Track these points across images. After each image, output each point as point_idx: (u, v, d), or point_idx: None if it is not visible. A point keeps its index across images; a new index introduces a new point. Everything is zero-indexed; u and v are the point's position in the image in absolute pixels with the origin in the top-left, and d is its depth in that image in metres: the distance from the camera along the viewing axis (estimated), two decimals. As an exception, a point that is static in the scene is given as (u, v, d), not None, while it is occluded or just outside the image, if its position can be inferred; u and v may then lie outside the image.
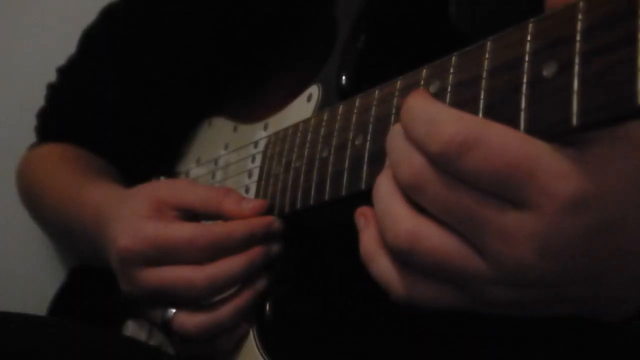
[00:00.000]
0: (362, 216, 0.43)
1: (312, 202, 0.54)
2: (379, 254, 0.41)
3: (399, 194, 0.39)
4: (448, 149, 0.35)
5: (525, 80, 0.36)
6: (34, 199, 0.85)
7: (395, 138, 0.40)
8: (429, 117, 0.37)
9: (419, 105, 0.38)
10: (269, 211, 0.60)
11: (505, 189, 0.35)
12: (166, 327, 0.58)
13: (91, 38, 0.86)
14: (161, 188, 0.61)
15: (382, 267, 0.41)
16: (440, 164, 0.36)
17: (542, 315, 0.41)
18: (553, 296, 0.38)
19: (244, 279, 0.58)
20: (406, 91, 0.46)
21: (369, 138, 0.49)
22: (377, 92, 0.49)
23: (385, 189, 0.40)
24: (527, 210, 0.35)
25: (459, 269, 0.37)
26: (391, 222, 0.39)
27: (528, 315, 0.41)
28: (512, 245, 0.35)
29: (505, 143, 0.35)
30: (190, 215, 0.60)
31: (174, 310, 0.58)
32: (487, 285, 0.37)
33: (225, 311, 0.57)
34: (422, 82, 0.45)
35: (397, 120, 0.46)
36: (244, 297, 0.58)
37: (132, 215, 0.59)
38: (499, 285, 0.37)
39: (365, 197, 0.46)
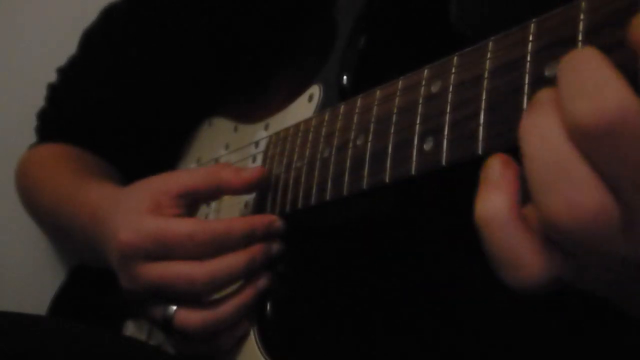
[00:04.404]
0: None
1: (313, 202, 0.54)
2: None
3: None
4: None
5: (527, 80, 0.36)
6: (33, 198, 0.85)
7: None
8: None
9: None
10: (269, 211, 0.60)
11: None
12: (167, 324, 0.58)
13: (91, 38, 0.86)
14: (158, 181, 0.61)
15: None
16: None
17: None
18: None
19: (245, 277, 0.58)
20: (407, 91, 0.46)
21: (370, 138, 0.49)
22: (378, 92, 0.49)
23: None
24: None
25: None
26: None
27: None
28: None
29: None
30: (193, 200, 0.60)
31: (175, 307, 0.58)
32: None
33: (226, 308, 0.57)
34: (423, 82, 0.45)
35: (398, 120, 0.46)
36: (246, 295, 0.58)
37: (132, 211, 0.59)
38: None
39: (367, 197, 0.46)
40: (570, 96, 0.30)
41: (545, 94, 0.32)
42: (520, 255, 0.32)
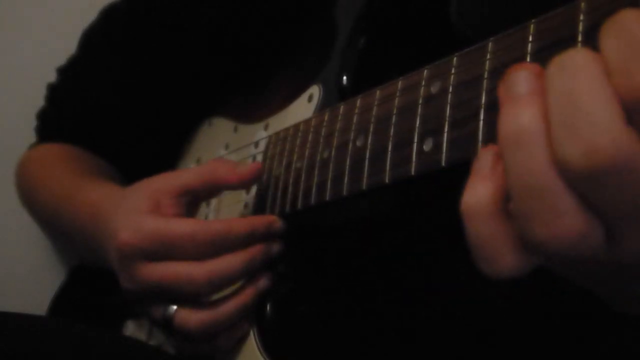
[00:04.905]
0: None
1: (313, 202, 0.54)
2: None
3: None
4: None
5: (526, 80, 0.36)
6: (33, 198, 0.85)
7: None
8: None
9: None
10: (269, 211, 0.60)
11: None
12: (167, 324, 0.58)
13: (91, 38, 0.86)
14: (156, 181, 0.62)
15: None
16: None
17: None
18: None
19: (245, 277, 0.58)
20: (407, 91, 0.46)
21: (370, 138, 0.49)
22: (378, 92, 0.49)
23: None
24: None
25: None
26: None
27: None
28: None
29: None
30: (193, 198, 0.60)
31: (175, 307, 0.58)
32: None
33: (226, 308, 0.57)
34: (423, 83, 0.45)
35: (398, 120, 0.46)
36: (246, 295, 0.58)
37: (132, 211, 0.59)
38: None
39: (366, 198, 0.46)
40: (560, 124, 0.29)
41: (525, 86, 0.31)
42: (499, 249, 0.32)
